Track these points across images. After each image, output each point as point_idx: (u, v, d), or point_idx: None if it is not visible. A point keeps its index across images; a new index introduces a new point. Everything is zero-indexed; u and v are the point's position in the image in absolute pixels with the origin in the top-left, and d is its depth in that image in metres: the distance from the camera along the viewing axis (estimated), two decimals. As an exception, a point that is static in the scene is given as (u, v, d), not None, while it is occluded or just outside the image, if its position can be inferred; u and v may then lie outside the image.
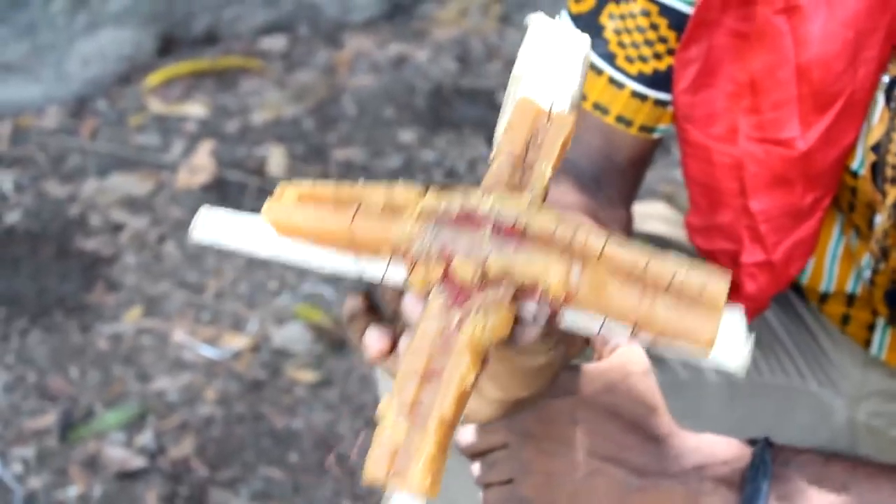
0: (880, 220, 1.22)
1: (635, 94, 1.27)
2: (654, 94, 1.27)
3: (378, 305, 0.95)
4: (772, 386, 1.44)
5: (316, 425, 2.33)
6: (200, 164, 2.95)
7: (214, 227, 0.91)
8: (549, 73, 0.93)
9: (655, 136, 1.31)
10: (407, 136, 3.08)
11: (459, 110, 3.17)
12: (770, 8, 1.17)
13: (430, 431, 0.81)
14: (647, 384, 1.12)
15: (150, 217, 2.80)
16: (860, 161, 1.21)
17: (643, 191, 1.42)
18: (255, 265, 2.66)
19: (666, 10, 1.24)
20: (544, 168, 0.89)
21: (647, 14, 1.24)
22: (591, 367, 1.13)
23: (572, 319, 0.86)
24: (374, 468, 0.82)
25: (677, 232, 1.49)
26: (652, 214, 1.54)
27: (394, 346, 0.91)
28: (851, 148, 1.21)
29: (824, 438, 1.43)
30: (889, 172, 1.18)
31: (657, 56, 1.25)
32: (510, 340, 0.87)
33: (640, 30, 1.25)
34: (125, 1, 3.22)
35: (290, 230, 0.89)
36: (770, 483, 1.08)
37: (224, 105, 3.17)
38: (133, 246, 2.72)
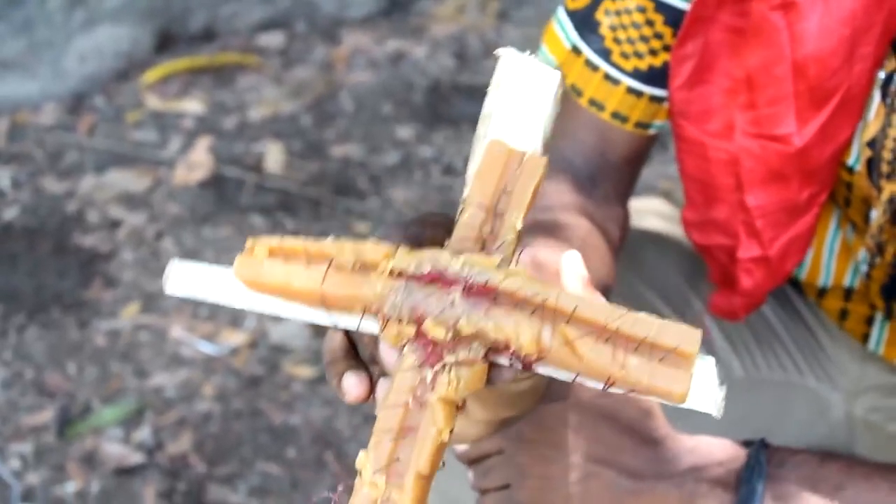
0: (876, 215, 1.22)
1: (631, 91, 1.27)
2: (649, 90, 1.27)
3: (356, 344, 0.95)
4: (769, 381, 1.44)
5: (314, 421, 2.33)
6: (198, 161, 2.95)
7: (186, 281, 0.91)
8: (521, 110, 0.92)
9: (651, 132, 1.31)
10: (405, 132, 3.08)
11: (457, 106, 3.17)
12: (766, 4, 1.17)
13: (408, 488, 0.82)
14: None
15: (148, 213, 2.80)
16: (856, 157, 1.21)
17: (641, 187, 1.42)
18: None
19: (662, 7, 1.24)
20: (515, 219, 0.89)
21: (643, 10, 1.24)
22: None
23: (546, 371, 0.86)
24: None
25: (675, 228, 1.49)
26: (649, 211, 1.54)
27: (372, 390, 0.92)
28: (847, 144, 1.21)
29: (822, 434, 1.43)
30: (885, 168, 1.18)
31: (653, 52, 1.25)
32: (487, 383, 0.88)
33: (636, 26, 1.25)
34: (122, -3, 3.22)
35: (261, 287, 0.89)
36: (765, 484, 1.08)
37: (221, 101, 3.17)
38: (130, 242, 2.72)
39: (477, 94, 3.20)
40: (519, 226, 0.89)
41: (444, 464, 0.85)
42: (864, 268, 1.29)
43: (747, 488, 1.07)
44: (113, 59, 3.23)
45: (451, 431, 0.84)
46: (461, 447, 1.14)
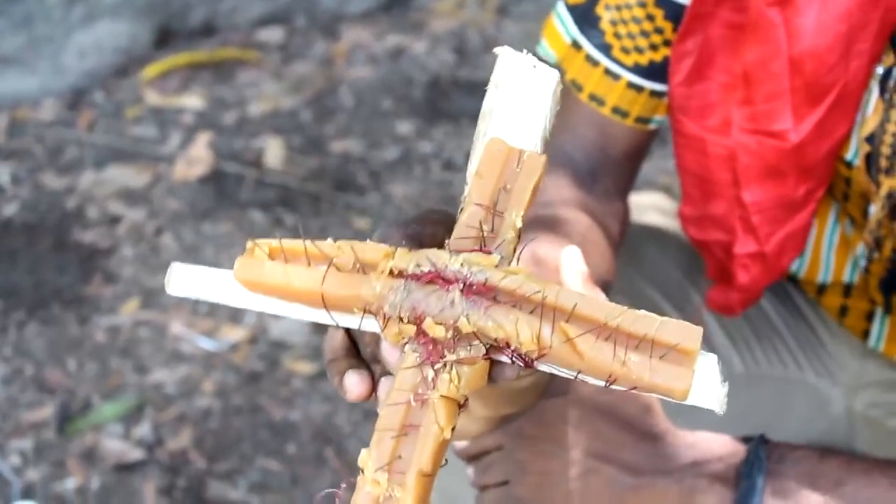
0: (874, 210, 1.22)
1: (631, 85, 1.27)
2: (650, 84, 1.27)
3: (357, 343, 0.95)
4: (770, 377, 1.44)
5: (314, 417, 2.33)
6: (198, 156, 2.95)
7: (187, 282, 0.92)
8: (520, 109, 0.92)
9: (651, 127, 1.31)
10: (404, 127, 3.08)
11: (457, 102, 3.17)
12: (763, 0, 1.16)
13: (410, 486, 0.83)
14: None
15: (148, 209, 2.80)
16: (854, 152, 1.21)
17: (641, 182, 1.42)
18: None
19: (662, 2, 1.24)
20: (514, 217, 0.89)
21: (643, 5, 1.24)
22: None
23: (547, 368, 0.86)
24: None
25: (675, 223, 1.49)
26: (650, 205, 1.54)
27: (373, 389, 0.91)
28: (844, 140, 1.21)
29: (822, 429, 1.43)
30: (883, 163, 1.18)
31: (653, 47, 1.25)
32: (489, 380, 0.88)
33: (636, 20, 1.25)
34: (122, -7, 3.22)
35: (261, 289, 0.89)
36: (765, 479, 1.08)
37: (221, 97, 3.17)
38: (130, 238, 2.72)
39: (477, 89, 3.20)
40: (519, 224, 0.89)
41: (446, 461, 0.85)
42: (862, 262, 1.29)
43: (747, 483, 1.07)
44: (112, 54, 3.23)
45: (453, 429, 0.84)
46: (461, 444, 1.14)
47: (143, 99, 3.15)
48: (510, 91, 0.93)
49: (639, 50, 1.26)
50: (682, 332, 0.83)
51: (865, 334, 1.38)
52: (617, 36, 1.26)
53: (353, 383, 0.91)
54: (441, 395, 0.84)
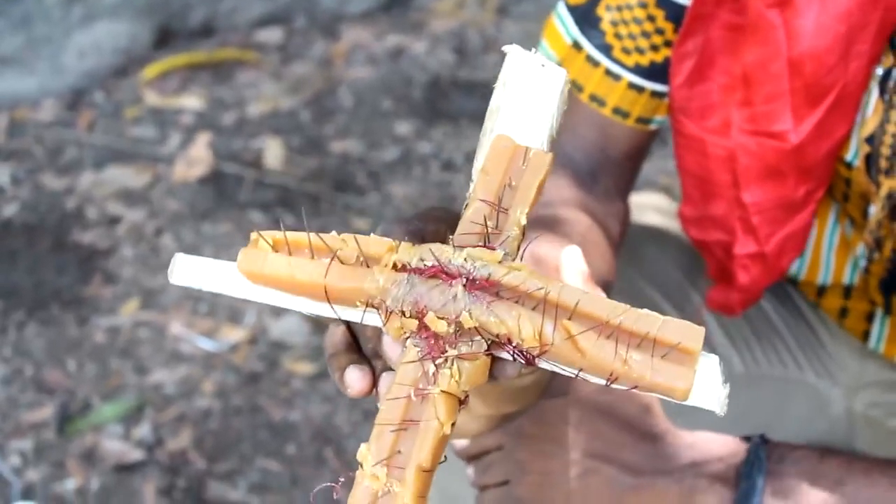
0: (874, 210, 1.22)
1: (632, 86, 1.27)
2: (650, 85, 1.27)
3: (358, 338, 0.95)
4: (770, 377, 1.44)
5: (313, 417, 2.33)
6: (197, 157, 2.95)
7: (191, 273, 0.92)
8: (527, 107, 0.92)
9: (652, 127, 1.31)
10: (404, 128, 3.08)
11: (456, 102, 3.17)
12: (763, 1, 1.16)
13: (409, 481, 0.82)
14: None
15: (147, 210, 2.80)
16: (854, 152, 1.21)
17: (641, 182, 1.42)
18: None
19: (663, 2, 1.23)
20: (519, 214, 0.89)
21: (644, 6, 1.24)
22: None
23: (549, 366, 0.86)
24: None
25: (675, 223, 1.49)
26: (649, 206, 1.54)
27: (374, 384, 0.91)
28: (844, 141, 1.21)
29: (822, 429, 1.43)
30: (883, 164, 1.18)
31: (654, 48, 1.25)
32: (490, 377, 0.87)
33: (637, 21, 1.25)
34: (121, -7, 3.22)
35: (264, 280, 0.89)
36: (765, 479, 1.08)
37: (221, 97, 3.17)
38: (130, 238, 2.72)
39: (476, 89, 3.19)
40: (523, 221, 0.89)
41: (445, 458, 0.85)
42: (862, 263, 1.29)
43: (747, 483, 1.07)
44: (112, 54, 3.23)
45: (453, 425, 0.84)
46: (460, 443, 1.14)
47: (143, 99, 3.15)
48: (518, 89, 0.93)
49: (640, 51, 1.26)
50: (684, 331, 0.83)
51: (865, 335, 1.38)
52: (618, 36, 1.26)
53: (354, 379, 0.91)
54: (442, 391, 0.84)
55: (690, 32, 1.21)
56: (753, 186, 1.22)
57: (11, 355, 2.44)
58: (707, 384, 0.83)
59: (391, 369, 0.90)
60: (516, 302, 0.84)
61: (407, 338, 0.86)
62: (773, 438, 1.13)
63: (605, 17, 1.26)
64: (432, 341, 0.85)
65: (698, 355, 0.83)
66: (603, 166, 1.32)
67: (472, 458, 1.14)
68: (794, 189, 1.22)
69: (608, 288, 1.22)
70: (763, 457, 1.09)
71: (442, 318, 0.85)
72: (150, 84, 3.20)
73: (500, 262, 0.86)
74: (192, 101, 3.15)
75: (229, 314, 2.53)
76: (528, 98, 0.92)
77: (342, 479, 0.86)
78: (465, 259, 0.86)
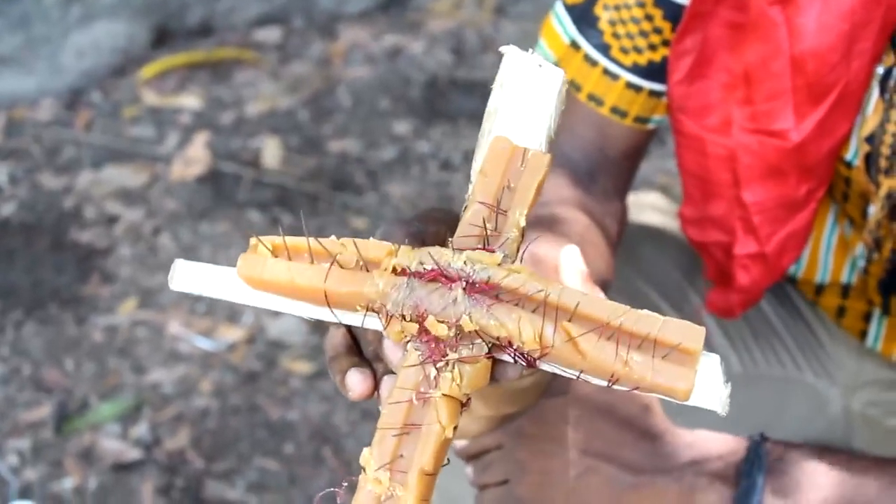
0: (874, 210, 1.22)
1: (630, 86, 1.27)
2: (648, 84, 1.27)
3: (359, 341, 0.95)
4: (768, 377, 1.44)
5: (311, 416, 2.33)
6: (195, 156, 2.95)
7: (191, 278, 0.92)
8: (524, 108, 0.92)
9: (650, 126, 1.31)
10: (402, 127, 3.08)
11: (454, 102, 3.17)
12: (765, -1, 1.17)
13: (412, 485, 0.83)
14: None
15: (145, 209, 2.80)
16: (854, 152, 1.21)
17: (639, 181, 1.42)
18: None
19: (660, 1, 1.23)
20: (518, 216, 0.89)
21: (641, 5, 1.24)
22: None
23: (549, 368, 0.86)
24: None
25: (673, 223, 1.49)
26: (647, 205, 1.54)
27: (375, 387, 0.91)
28: (845, 139, 1.21)
29: (820, 428, 1.44)
30: (883, 163, 1.18)
31: (652, 47, 1.25)
32: (491, 380, 0.88)
33: (635, 20, 1.25)
34: (119, -8, 3.22)
35: (264, 286, 0.89)
36: (765, 477, 1.08)
37: (219, 97, 3.17)
38: (128, 238, 2.72)
39: (474, 89, 3.19)
40: (522, 223, 0.89)
41: (448, 460, 0.85)
42: (861, 263, 1.29)
43: (747, 482, 1.07)
44: (110, 54, 3.22)
45: (455, 428, 0.84)
46: (460, 443, 1.14)
47: (141, 99, 3.15)
48: (515, 90, 0.93)
49: (637, 50, 1.26)
50: (684, 332, 0.83)
51: (863, 334, 1.38)
52: (615, 36, 1.26)
53: (356, 382, 0.91)
54: (443, 394, 0.84)
55: (689, 30, 1.21)
56: (754, 185, 1.22)
57: (9, 354, 2.44)
58: (708, 384, 0.83)
59: (392, 372, 0.90)
60: (516, 305, 0.84)
61: (408, 341, 0.86)
62: (773, 437, 1.13)
63: (603, 16, 1.26)
64: (433, 345, 0.85)
65: (699, 355, 0.83)
66: (601, 166, 1.32)
67: (471, 457, 1.14)
68: (796, 188, 1.22)
69: (606, 287, 1.22)
70: (763, 455, 1.09)
71: (442, 322, 0.85)
72: (148, 83, 3.20)
73: (499, 264, 0.86)
74: (190, 101, 3.15)
75: (227, 314, 2.53)
76: (526, 99, 0.92)
77: (346, 483, 0.86)
78: (464, 262, 0.86)
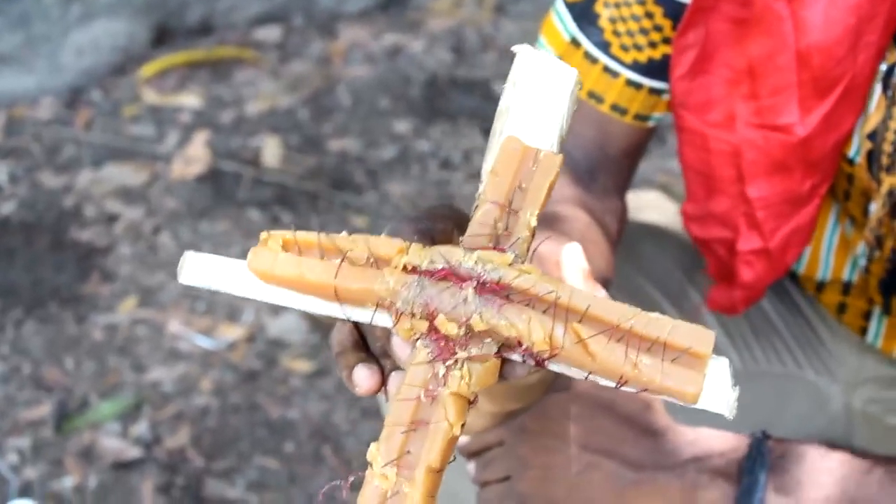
0: (875, 208, 1.22)
1: (630, 83, 1.27)
2: (648, 82, 1.27)
3: (366, 337, 0.95)
4: (769, 374, 1.44)
5: (311, 415, 2.33)
6: (195, 155, 2.95)
7: (200, 271, 0.92)
8: (536, 108, 0.92)
9: (650, 124, 1.31)
10: (402, 126, 3.08)
11: (454, 101, 3.17)
12: (770, -7, 1.16)
13: (418, 481, 0.83)
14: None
15: (145, 208, 2.80)
16: (856, 149, 1.21)
17: (639, 180, 1.42)
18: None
19: (661, -1, 1.24)
20: (529, 216, 0.89)
21: (642, 3, 1.24)
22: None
23: (558, 369, 0.86)
24: None
25: (673, 221, 1.49)
26: (647, 204, 1.54)
27: (383, 383, 0.91)
28: (850, 134, 1.21)
29: (821, 426, 1.44)
30: (885, 160, 1.18)
31: (652, 45, 1.25)
32: (500, 377, 0.88)
33: (636, 18, 1.25)
34: (119, -9, 3.21)
35: (274, 280, 0.89)
36: (767, 474, 1.08)
37: (219, 95, 3.17)
38: (128, 236, 2.72)
39: (474, 88, 3.20)
40: (533, 223, 0.89)
41: (454, 458, 0.85)
42: (862, 262, 1.29)
43: (749, 479, 1.07)
44: (110, 53, 3.22)
45: (463, 426, 0.85)
46: (462, 439, 1.14)
47: (141, 97, 3.15)
48: (527, 89, 0.92)
49: (637, 47, 1.26)
50: (694, 335, 0.83)
51: (863, 331, 1.38)
52: (616, 33, 1.26)
53: (363, 377, 0.91)
54: (451, 392, 0.84)
55: (691, 24, 1.21)
56: (759, 181, 1.22)
57: (9, 353, 2.44)
58: (717, 388, 0.83)
59: (399, 368, 0.90)
60: (527, 305, 0.84)
61: (417, 339, 0.86)
62: (774, 434, 1.13)
63: (604, 13, 1.26)
64: (442, 343, 0.85)
65: (708, 359, 0.83)
66: (601, 164, 1.32)
67: (473, 454, 1.14)
68: (801, 183, 1.22)
69: (606, 285, 1.22)
70: (765, 452, 1.09)
71: (452, 321, 0.85)
72: (148, 82, 3.20)
73: (510, 264, 0.86)
74: (190, 100, 3.15)
75: (227, 312, 2.53)
76: (538, 98, 0.92)
77: (352, 478, 0.86)
78: (475, 262, 0.86)
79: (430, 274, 0.86)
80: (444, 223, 0.94)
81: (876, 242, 1.24)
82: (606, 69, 1.27)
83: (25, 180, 2.88)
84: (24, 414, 2.32)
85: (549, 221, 1.23)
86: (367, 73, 3.26)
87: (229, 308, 2.54)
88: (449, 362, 0.85)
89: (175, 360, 2.43)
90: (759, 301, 1.38)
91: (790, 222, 1.24)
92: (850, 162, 1.22)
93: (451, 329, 0.85)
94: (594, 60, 1.27)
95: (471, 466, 1.15)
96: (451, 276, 0.85)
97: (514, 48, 0.94)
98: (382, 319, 0.88)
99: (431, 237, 0.91)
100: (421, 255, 0.87)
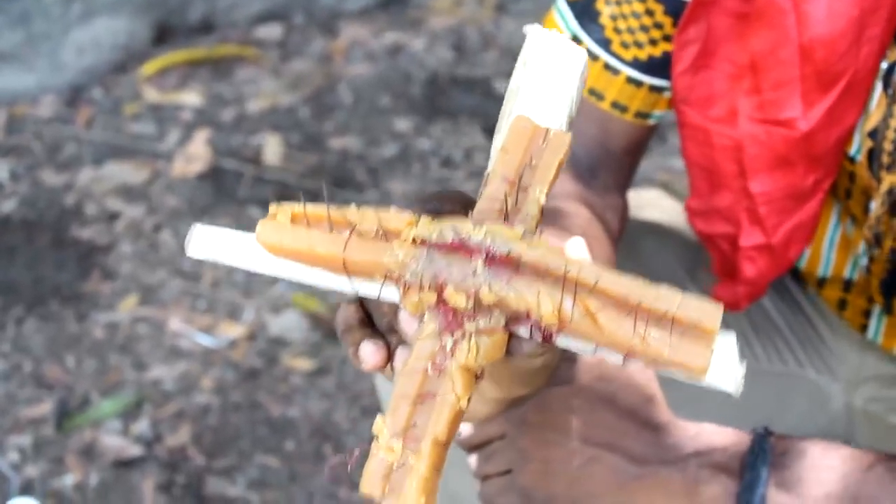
0: (875, 206, 1.22)
1: (630, 80, 1.27)
2: (649, 79, 1.27)
3: (372, 314, 0.95)
4: (770, 373, 1.44)
5: (312, 414, 2.33)
6: (196, 153, 2.95)
7: (208, 244, 0.91)
8: (546, 88, 0.92)
9: (651, 122, 1.31)
10: (403, 124, 3.08)
11: (455, 99, 3.17)
12: (772, -13, 1.16)
13: (425, 453, 0.82)
14: (645, 374, 1.12)
15: (146, 206, 2.80)
16: (857, 147, 1.21)
17: (640, 178, 1.42)
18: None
19: (661, -4, 1.24)
20: (538, 193, 0.89)
21: (643, 0, 1.24)
22: (588, 357, 1.13)
23: (566, 343, 0.86)
24: (369, 486, 0.83)
25: (674, 219, 1.49)
26: (648, 202, 1.54)
27: (389, 358, 0.91)
28: (853, 128, 1.20)
29: (822, 425, 1.43)
30: (885, 159, 1.18)
31: (652, 42, 1.25)
32: (507, 354, 0.87)
33: (636, 15, 1.25)
34: (120, -11, 3.21)
35: (283, 252, 0.89)
36: (769, 470, 1.08)
37: (220, 94, 3.17)
38: (129, 235, 2.72)
39: (475, 86, 3.19)
40: (542, 200, 0.88)
41: (460, 433, 0.85)
42: (864, 261, 1.29)
43: (752, 474, 1.07)
44: (111, 51, 3.22)
45: (469, 399, 0.84)
46: (465, 432, 1.13)
47: (142, 96, 3.15)
48: (538, 69, 0.92)
49: (638, 45, 1.26)
50: (702, 309, 0.83)
51: (863, 328, 1.38)
52: (617, 31, 1.26)
53: (369, 353, 0.90)
54: (459, 365, 0.84)
55: (693, 18, 1.21)
56: (761, 176, 1.22)
57: (10, 351, 2.44)
58: (724, 363, 0.83)
59: (406, 344, 0.89)
60: (536, 278, 0.84)
61: (424, 313, 0.86)
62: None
63: (605, 11, 1.26)
64: (450, 316, 0.85)
65: (716, 334, 0.83)
66: (602, 161, 1.32)
67: (474, 447, 1.14)
68: (803, 178, 1.22)
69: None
70: (767, 448, 1.09)
71: (461, 293, 0.84)
72: (149, 80, 3.20)
73: (520, 238, 0.86)
74: (191, 98, 3.15)
75: (228, 310, 2.53)
76: (549, 78, 0.92)
77: (357, 451, 0.86)
78: (484, 234, 0.85)
79: (440, 246, 0.85)
80: (452, 205, 0.94)
81: (875, 241, 1.24)
82: (607, 66, 1.27)
83: (26, 178, 2.89)
84: (24, 412, 2.32)
85: (550, 217, 1.23)
86: (368, 72, 3.26)
87: (230, 306, 2.54)
88: (457, 335, 0.84)
89: (176, 359, 2.43)
90: (760, 298, 1.38)
91: (793, 218, 1.24)
92: (852, 160, 1.22)
93: (459, 301, 0.84)
94: (595, 58, 1.27)
95: (472, 459, 1.14)
96: (460, 248, 0.85)
97: (525, 28, 0.94)
98: (390, 293, 0.87)
99: (440, 217, 0.91)
100: (430, 227, 0.86)
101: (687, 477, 1.08)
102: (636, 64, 1.26)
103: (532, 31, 0.93)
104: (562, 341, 0.85)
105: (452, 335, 0.84)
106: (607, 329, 0.83)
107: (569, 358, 1.11)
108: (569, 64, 0.92)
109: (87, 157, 2.94)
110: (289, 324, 2.50)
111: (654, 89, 1.27)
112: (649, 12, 1.24)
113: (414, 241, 0.86)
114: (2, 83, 3.11)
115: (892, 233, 1.21)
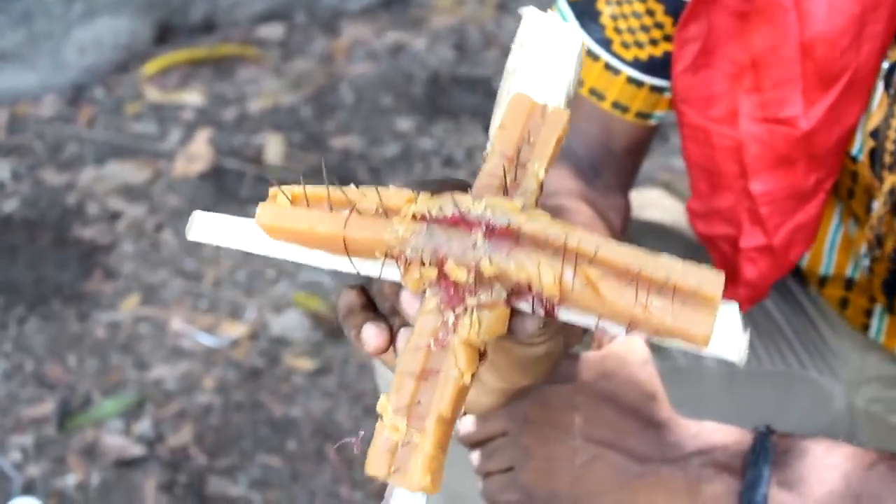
0: (876, 206, 1.22)
1: (631, 80, 1.27)
2: (649, 79, 1.27)
3: (374, 299, 0.94)
4: (772, 373, 1.44)
5: (314, 413, 2.33)
6: (198, 153, 2.95)
7: (209, 229, 0.91)
8: (544, 67, 0.92)
9: (652, 122, 1.31)
10: (404, 124, 3.08)
11: (457, 98, 3.17)
12: (773, -15, 1.16)
13: (429, 431, 0.82)
14: (646, 372, 1.12)
15: (148, 205, 2.80)
16: (859, 146, 1.21)
17: (642, 178, 1.42)
18: (253, 254, 2.66)
19: (662, -4, 1.23)
20: (537, 168, 0.89)
21: (643, 0, 1.24)
22: (590, 355, 1.13)
23: (568, 316, 0.86)
24: (374, 465, 0.83)
25: (676, 219, 1.49)
26: (650, 202, 1.54)
27: (392, 341, 0.91)
28: (855, 127, 1.20)
29: (823, 425, 1.43)
30: (887, 159, 1.18)
31: (653, 42, 1.25)
32: (509, 332, 0.87)
33: (637, 15, 1.25)
34: (122, -11, 3.22)
35: (284, 234, 0.89)
36: (771, 469, 1.08)
37: (221, 93, 3.17)
38: (131, 234, 2.72)
39: (477, 85, 3.19)
40: (542, 175, 0.88)
41: (464, 412, 0.84)
42: (865, 261, 1.29)
43: (754, 472, 1.07)
44: (112, 50, 3.22)
45: (473, 376, 0.84)
46: (465, 430, 1.13)
47: (143, 95, 3.15)
48: (535, 49, 0.92)
49: (639, 45, 1.26)
50: (703, 277, 0.82)
51: (865, 328, 1.38)
52: (617, 31, 1.26)
53: (371, 335, 0.90)
54: (462, 340, 0.83)
55: (693, 17, 1.21)
56: (762, 175, 1.22)
57: (12, 350, 2.44)
58: (727, 331, 0.82)
59: (408, 325, 0.89)
60: (536, 249, 0.83)
61: (426, 290, 0.86)
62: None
63: (605, 11, 1.26)
64: (452, 290, 0.84)
65: (718, 301, 0.82)
66: (604, 161, 1.32)
67: (476, 444, 1.14)
68: (804, 177, 1.22)
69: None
70: (769, 447, 1.09)
71: (462, 266, 0.84)
72: (150, 80, 3.20)
73: (520, 210, 0.85)
74: (192, 97, 3.15)
75: (230, 310, 2.53)
76: (545, 58, 0.92)
77: (362, 433, 0.86)
78: (484, 208, 0.85)
79: (440, 221, 0.85)
80: (452, 190, 0.94)
81: (876, 241, 1.24)
82: (608, 66, 1.27)
83: (28, 178, 2.89)
84: (26, 411, 2.32)
85: (553, 213, 1.23)
86: (370, 71, 3.26)
87: (232, 306, 2.54)
88: (458, 309, 0.84)
89: (178, 358, 2.43)
90: (762, 301, 1.38)
91: (794, 218, 1.24)
92: (854, 160, 1.22)
93: (460, 275, 0.84)
94: (595, 58, 1.27)
95: (474, 456, 1.14)
96: (460, 222, 0.85)
97: (521, 10, 0.94)
98: (391, 273, 0.87)
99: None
100: (430, 203, 0.86)
101: (689, 475, 1.08)
102: (637, 64, 1.26)
103: (528, 12, 0.93)
104: (564, 314, 0.85)
105: (454, 310, 0.84)
106: (609, 299, 0.82)
107: (571, 355, 1.11)
108: (565, 43, 0.92)
109: (88, 156, 2.94)
110: (290, 323, 2.50)
111: (655, 89, 1.27)
112: (650, 12, 1.24)
113: (414, 216, 0.86)
114: (3, 82, 3.11)
115: (894, 233, 1.21)
